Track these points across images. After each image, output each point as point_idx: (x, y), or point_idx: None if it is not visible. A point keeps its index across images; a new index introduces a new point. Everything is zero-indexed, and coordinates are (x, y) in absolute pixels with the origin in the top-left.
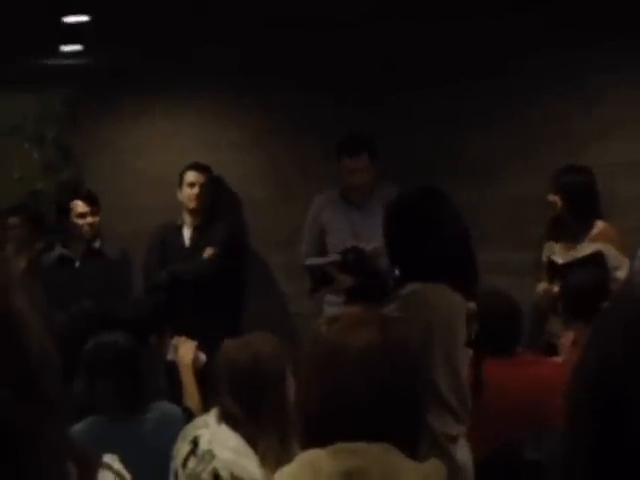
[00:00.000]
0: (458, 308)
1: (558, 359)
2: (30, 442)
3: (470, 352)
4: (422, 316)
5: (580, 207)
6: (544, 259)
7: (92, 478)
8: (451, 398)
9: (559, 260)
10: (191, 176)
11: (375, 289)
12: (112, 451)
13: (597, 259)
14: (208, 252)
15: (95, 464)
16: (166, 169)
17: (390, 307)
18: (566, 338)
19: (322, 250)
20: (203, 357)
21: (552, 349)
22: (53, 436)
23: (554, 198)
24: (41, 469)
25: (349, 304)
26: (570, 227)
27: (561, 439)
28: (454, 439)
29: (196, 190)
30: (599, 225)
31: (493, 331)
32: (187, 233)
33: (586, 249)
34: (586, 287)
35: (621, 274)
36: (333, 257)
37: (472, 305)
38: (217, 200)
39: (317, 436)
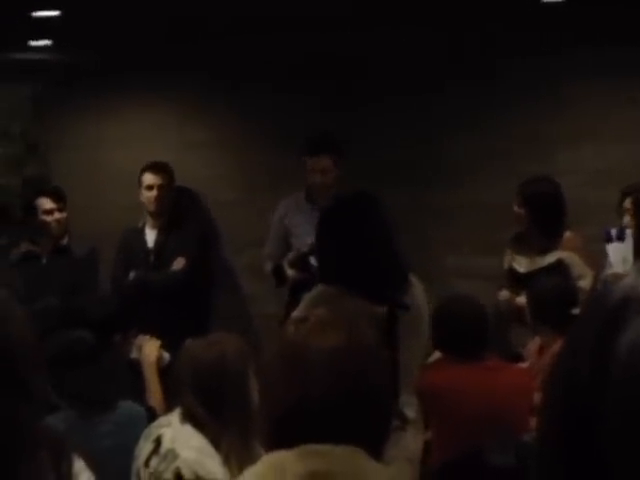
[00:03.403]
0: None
1: (524, 365)
2: (8, 429)
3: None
4: None
5: (547, 220)
6: (505, 266)
7: (67, 466)
8: None
9: (521, 269)
10: (148, 178)
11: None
12: (74, 449)
13: (559, 268)
14: (178, 264)
15: (69, 453)
16: (133, 167)
17: (299, 307)
18: (532, 343)
19: (286, 252)
20: (167, 356)
21: (516, 359)
22: (29, 424)
23: (519, 211)
24: (16, 455)
25: (290, 300)
26: (536, 240)
27: (531, 449)
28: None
29: (154, 192)
30: (565, 234)
31: (460, 335)
32: (151, 235)
33: (548, 258)
34: (553, 293)
35: (584, 283)
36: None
37: (380, 310)
38: (180, 203)
39: (282, 437)
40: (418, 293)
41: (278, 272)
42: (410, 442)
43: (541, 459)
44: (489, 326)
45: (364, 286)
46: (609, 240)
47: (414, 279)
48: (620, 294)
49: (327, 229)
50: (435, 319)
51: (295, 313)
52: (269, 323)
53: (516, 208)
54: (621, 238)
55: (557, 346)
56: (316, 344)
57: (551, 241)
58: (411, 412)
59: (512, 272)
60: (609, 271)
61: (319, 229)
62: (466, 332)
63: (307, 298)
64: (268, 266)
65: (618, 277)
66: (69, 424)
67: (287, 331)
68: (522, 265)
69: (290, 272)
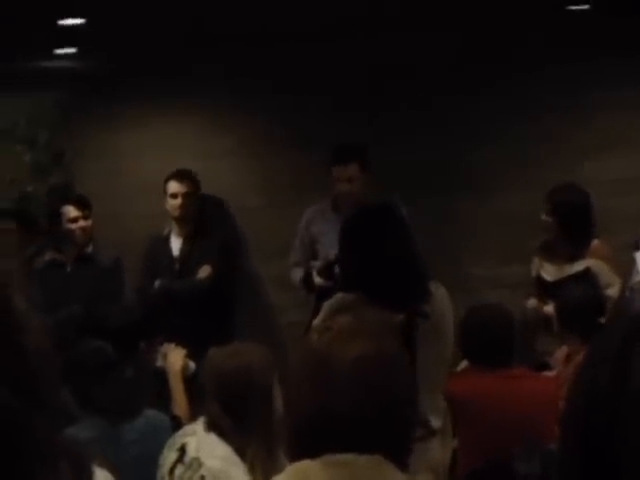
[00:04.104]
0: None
1: (551, 374)
2: (25, 441)
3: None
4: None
5: (575, 228)
6: (533, 274)
7: (87, 477)
8: None
9: (548, 278)
10: (172, 187)
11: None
12: (99, 458)
13: (587, 276)
14: (204, 272)
15: (89, 464)
16: (158, 176)
17: (319, 316)
18: (560, 352)
19: (311, 260)
20: (192, 365)
21: (543, 367)
22: (47, 436)
23: (547, 219)
24: (35, 467)
25: (316, 308)
26: (564, 248)
27: (556, 458)
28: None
29: (179, 200)
30: (593, 242)
31: (487, 343)
32: (176, 243)
33: (576, 266)
34: (582, 302)
35: (612, 292)
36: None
37: (399, 318)
38: (205, 211)
39: (306, 447)
40: (440, 301)
41: (307, 280)
42: (436, 452)
43: (562, 467)
44: (517, 335)
45: (383, 294)
46: (638, 248)
47: (438, 287)
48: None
49: (348, 238)
50: (463, 327)
51: (316, 321)
52: (295, 331)
53: (544, 216)
54: None
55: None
56: (340, 353)
57: (579, 249)
58: (437, 421)
59: (540, 281)
60: (637, 279)
61: (341, 237)
62: (494, 341)
63: (326, 306)
64: (293, 274)
65: None
66: (95, 433)
67: (311, 339)
68: (550, 274)
69: (317, 280)
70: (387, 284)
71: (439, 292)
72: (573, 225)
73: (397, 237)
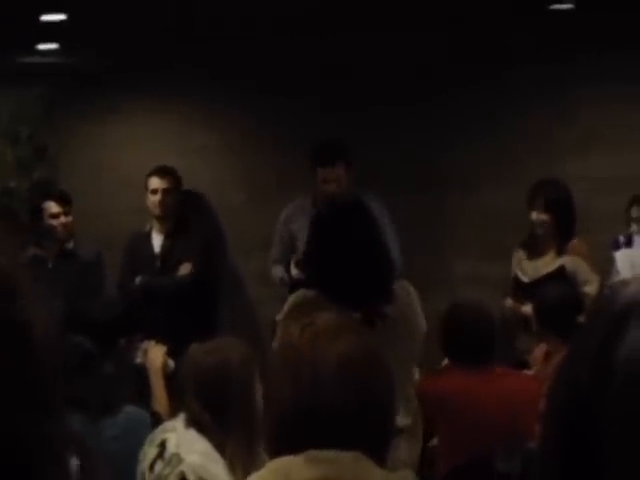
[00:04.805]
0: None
1: (530, 372)
2: (37, 446)
3: None
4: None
5: (566, 224)
6: (513, 271)
7: (94, 469)
8: None
9: (525, 279)
10: (153, 182)
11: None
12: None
13: (562, 275)
14: (185, 269)
15: (94, 455)
16: (140, 171)
17: (282, 311)
18: (539, 350)
19: (290, 256)
20: (172, 364)
21: (522, 366)
22: (57, 438)
23: (543, 217)
24: (47, 473)
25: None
26: (552, 245)
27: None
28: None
29: (159, 197)
30: (572, 240)
31: (467, 341)
32: (157, 240)
33: (549, 265)
34: (560, 300)
35: (590, 289)
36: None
37: (355, 317)
38: (186, 207)
39: (287, 443)
40: (406, 301)
41: (287, 276)
42: (402, 451)
43: (542, 465)
44: (497, 333)
45: (342, 293)
46: (617, 247)
47: (405, 286)
48: (622, 302)
49: (313, 234)
50: (443, 325)
51: (278, 316)
52: (275, 328)
53: (536, 214)
54: (629, 244)
55: (564, 354)
56: (324, 350)
57: (564, 246)
58: (403, 420)
59: (516, 282)
60: (617, 278)
61: (308, 233)
62: (474, 338)
63: (288, 301)
64: (274, 270)
65: (624, 284)
66: (75, 428)
67: (291, 335)
68: (526, 274)
69: (294, 272)
70: (346, 282)
71: (405, 292)
72: (564, 221)
73: (363, 236)
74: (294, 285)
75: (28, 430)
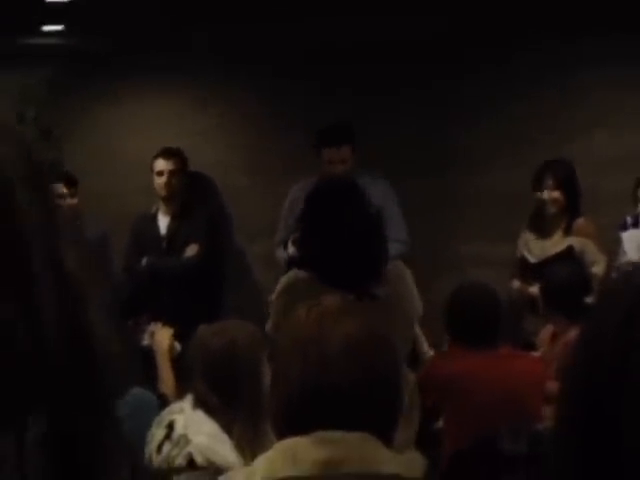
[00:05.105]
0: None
1: (537, 354)
2: (94, 452)
3: None
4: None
5: (574, 203)
6: (519, 252)
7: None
8: None
9: (532, 259)
10: (159, 164)
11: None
12: None
13: (570, 255)
14: (191, 250)
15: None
16: (146, 153)
17: (276, 291)
18: (545, 331)
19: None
20: (178, 347)
21: (529, 347)
22: (112, 447)
23: (555, 194)
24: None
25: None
26: (561, 223)
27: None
28: None
29: (164, 178)
30: (578, 221)
31: (473, 322)
32: (163, 221)
33: (558, 245)
34: (567, 281)
35: (598, 270)
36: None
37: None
38: (192, 188)
39: (295, 424)
40: (399, 282)
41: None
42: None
43: (559, 443)
44: (502, 314)
45: (333, 274)
46: (624, 227)
47: (399, 268)
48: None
49: (304, 212)
50: (449, 307)
51: (272, 297)
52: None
53: (547, 193)
54: (636, 225)
55: (571, 334)
56: (331, 331)
57: (572, 224)
58: None
59: (523, 262)
60: (624, 259)
61: (301, 213)
62: (479, 320)
63: (281, 281)
64: (278, 253)
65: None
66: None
67: (298, 316)
68: (534, 254)
69: (291, 250)
70: (337, 263)
71: (398, 273)
72: (573, 200)
73: (355, 216)
74: (289, 264)
75: (89, 434)
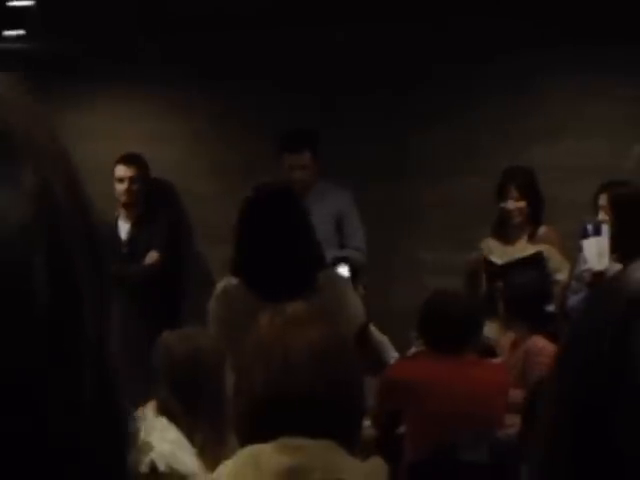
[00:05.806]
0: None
1: (497, 361)
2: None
3: None
4: None
5: (537, 210)
6: (483, 256)
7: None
8: None
9: (498, 261)
10: (120, 171)
11: None
12: None
13: (537, 260)
14: (151, 258)
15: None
16: (107, 158)
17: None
18: (506, 338)
19: None
20: None
21: (488, 352)
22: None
23: (520, 204)
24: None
25: None
26: (525, 231)
27: (504, 446)
28: None
29: (125, 185)
30: (542, 228)
31: (442, 329)
32: (124, 228)
33: (526, 250)
34: (529, 289)
35: (562, 277)
36: None
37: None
38: (153, 194)
39: (258, 431)
40: (330, 291)
41: None
42: None
43: (548, 455)
44: (473, 322)
45: (261, 282)
46: (585, 235)
47: (331, 276)
48: (636, 288)
49: (238, 222)
50: (420, 313)
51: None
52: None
53: (511, 203)
54: (597, 233)
55: (531, 342)
56: (295, 338)
57: (534, 231)
58: None
59: (489, 264)
60: (584, 266)
61: (236, 221)
62: (448, 327)
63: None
64: None
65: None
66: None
67: (262, 323)
68: (499, 257)
69: None
70: (266, 271)
71: (330, 281)
72: (536, 207)
73: (285, 225)
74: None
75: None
